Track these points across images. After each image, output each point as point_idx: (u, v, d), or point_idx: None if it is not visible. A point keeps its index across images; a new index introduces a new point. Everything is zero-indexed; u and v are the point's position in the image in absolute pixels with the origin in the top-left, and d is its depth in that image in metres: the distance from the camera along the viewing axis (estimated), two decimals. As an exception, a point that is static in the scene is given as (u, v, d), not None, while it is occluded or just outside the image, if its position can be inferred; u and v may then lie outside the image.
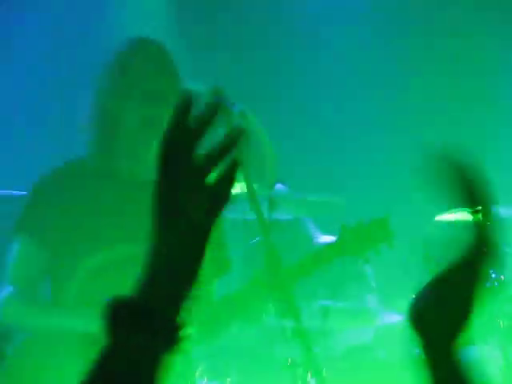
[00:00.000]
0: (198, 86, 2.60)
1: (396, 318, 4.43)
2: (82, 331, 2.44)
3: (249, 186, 2.57)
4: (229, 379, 3.55)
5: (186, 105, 1.13)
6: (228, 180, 1.15)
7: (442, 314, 1.21)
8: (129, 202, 2.67)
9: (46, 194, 2.72)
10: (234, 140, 1.14)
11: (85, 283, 2.65)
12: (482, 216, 1.26)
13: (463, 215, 4.71)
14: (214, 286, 2.82)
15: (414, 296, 1.23)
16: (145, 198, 2.52)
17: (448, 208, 4.40)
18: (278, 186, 4.51)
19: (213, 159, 1.13)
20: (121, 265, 2.61)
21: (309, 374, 2.68)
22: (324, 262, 2.82)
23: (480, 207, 1.28)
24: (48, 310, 2.68)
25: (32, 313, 2.62)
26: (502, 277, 4.00)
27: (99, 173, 2.71)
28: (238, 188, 2.64)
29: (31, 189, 2.76)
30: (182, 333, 1.13)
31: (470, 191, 1.28)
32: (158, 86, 2.64)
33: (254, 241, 3.86)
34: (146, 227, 1.24)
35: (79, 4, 5.20)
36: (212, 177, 1.14)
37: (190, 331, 1.12)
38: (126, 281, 2.34)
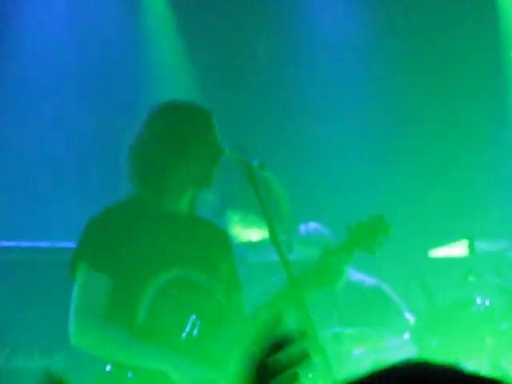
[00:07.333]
0: (226, 147, 3.13)
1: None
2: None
3: (272, 233, 3.08)
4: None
5: (277, 345, 1.50)
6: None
7: None
8: (176, 233, 3.18)
9: (102, 227, 3.12)
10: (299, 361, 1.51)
11: (154, 301, 3.05)
12: None
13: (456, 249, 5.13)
14: None
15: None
16: (188, 228, 3.20)
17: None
18: (313, 224, 5.19)
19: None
20: (179, 283, 3.10)
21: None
22: (341, 260, 3.24)
23: None
24: (127, 344, 3.03)
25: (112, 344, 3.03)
26: (487, 302, 4.46)
27: (145, 210, 3.17)
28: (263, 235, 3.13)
29: (88, 224, 3.14)
30: None
31: None
32: (199, 148, 3.15)
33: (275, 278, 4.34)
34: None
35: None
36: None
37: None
38: (186, 298, 2.86)
